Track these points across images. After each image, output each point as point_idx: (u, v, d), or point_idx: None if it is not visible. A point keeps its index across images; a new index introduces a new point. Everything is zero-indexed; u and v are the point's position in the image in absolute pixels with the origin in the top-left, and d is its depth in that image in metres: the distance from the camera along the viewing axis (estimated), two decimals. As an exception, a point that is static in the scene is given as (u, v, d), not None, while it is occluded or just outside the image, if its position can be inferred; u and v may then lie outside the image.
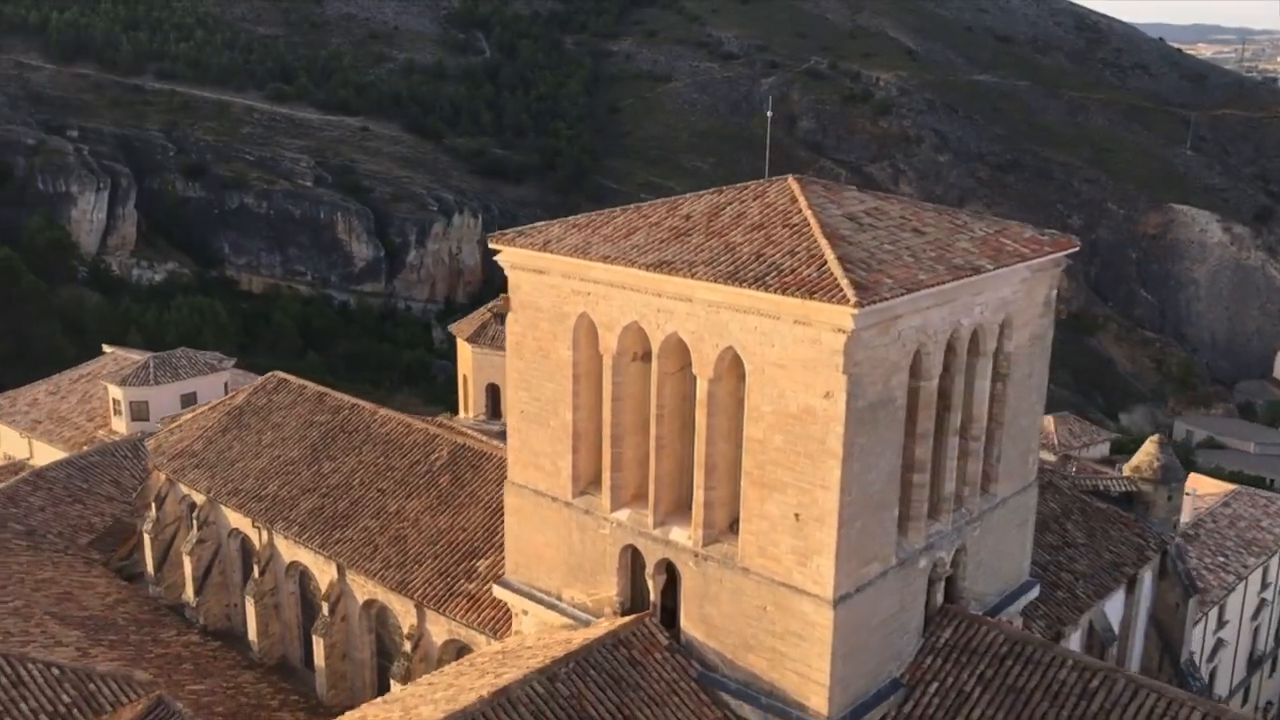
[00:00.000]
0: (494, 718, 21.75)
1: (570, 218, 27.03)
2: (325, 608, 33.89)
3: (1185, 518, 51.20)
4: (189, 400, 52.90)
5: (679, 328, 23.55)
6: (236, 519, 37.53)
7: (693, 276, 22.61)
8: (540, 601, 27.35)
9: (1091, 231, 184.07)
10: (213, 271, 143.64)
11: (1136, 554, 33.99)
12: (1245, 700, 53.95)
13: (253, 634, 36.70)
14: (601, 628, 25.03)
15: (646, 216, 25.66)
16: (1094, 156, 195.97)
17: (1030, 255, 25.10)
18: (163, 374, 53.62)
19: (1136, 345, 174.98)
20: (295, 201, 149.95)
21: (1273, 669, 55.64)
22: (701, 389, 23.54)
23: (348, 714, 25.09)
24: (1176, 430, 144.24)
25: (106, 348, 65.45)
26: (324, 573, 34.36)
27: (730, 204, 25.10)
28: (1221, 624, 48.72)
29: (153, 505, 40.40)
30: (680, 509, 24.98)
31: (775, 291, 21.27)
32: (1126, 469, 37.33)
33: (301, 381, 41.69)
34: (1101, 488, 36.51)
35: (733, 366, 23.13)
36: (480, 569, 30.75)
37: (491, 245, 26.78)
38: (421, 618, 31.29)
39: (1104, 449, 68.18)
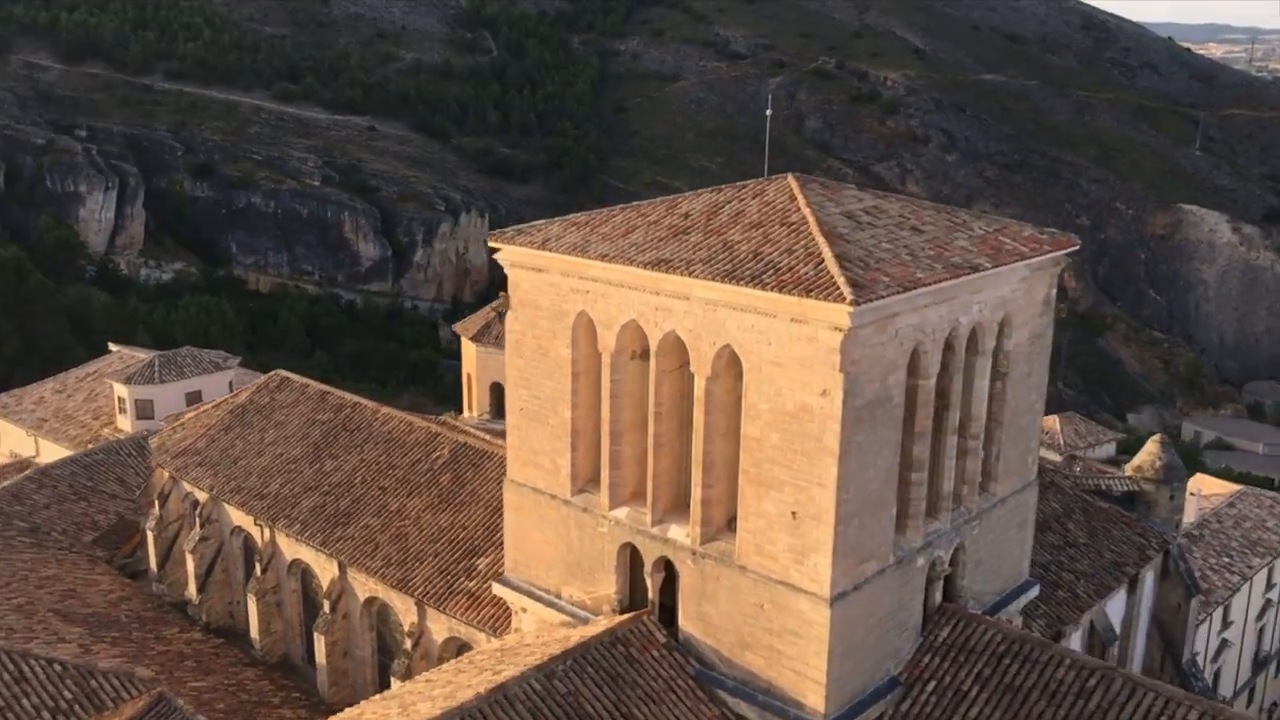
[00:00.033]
0: (491, 715, 21.80)
1: (569, 216, 27.08)
2: (326, 605, 33.97)
3: (1190, 518, 51.08)
4: (194, 398, 53.04)
5: (677, 326, 23.57)
6: (239, 517, 37.64)
7: (690, 275, 22.64)
8: (539, 599, 27.39)
9: (1100, 231, 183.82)
10: (220, 271, 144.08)
11: (1138, 554, 33.92)
12: (1250, 701, 53.80)
13: (255, 631, 36.81)
14: (599, 625, 25.06)
15: (645, 215, 25.69)
16: (1102, 156, 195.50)
17: (1029, 254, 25.07)
18: (168, 372, 53.80)
19: (1145, 345, 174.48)
20: (302, 201, 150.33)
21: (1278, 670, 55.46)
22: (699, 387, 23.56)
23: (347, 711, 25.16)
24: (1185, 431, 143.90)
25: (113, 346, 65.66)
26: (325, 570, 34.45)
27: (729, 202, 25.12)
28: (1226, 624, 48.60)
29: (156, 503, 40.51)
30: (678, 507, 25.01)
31: (772, 290, 21.28)
32: (1128, 469, 37.28)
33: (304, 380, 41.80)
34: (1103, 487, 36.45)
35: (730, 365, 23.15)
36: (480, 567, 30.81)
37: (491, 243, 26.84)
38: (422, 615, 31.36)
39: (1110, 449, 68.03)
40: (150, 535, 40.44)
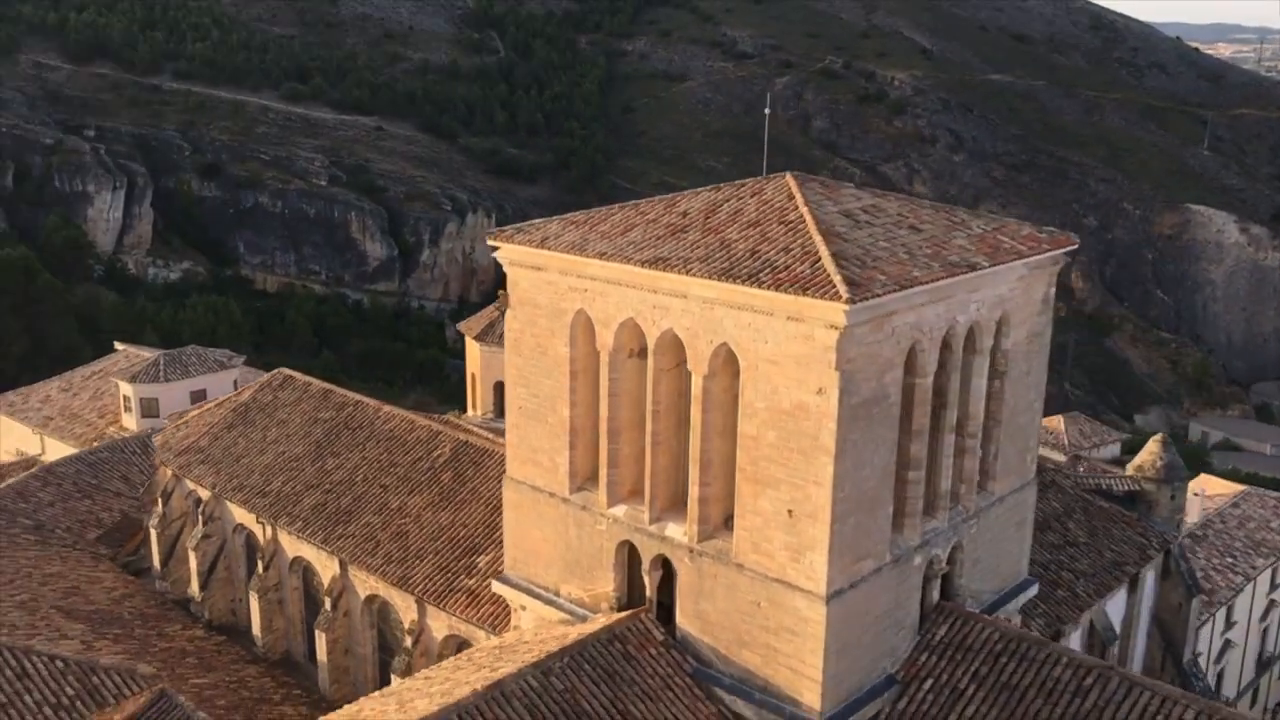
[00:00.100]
0: (488, 711, 21.87)
1: (568, 214, 27.15)
2: (328, 603, 34.10)
3: (1194, 518, 51.04)
4: (199, 397, 53.25)
5: (674, 324, 23.63)
6: (241, 514, 37.79)
7: (687, 273, 22.69)
8: (538, 597, 27.47)
9: (1107, 232, 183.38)
10: (228, 270, 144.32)
11: (1138, 553, 33.88)
12: (1254, 702, 53.69)
13: (257, 629, 36.95)
14: (597, 623, 25.12)
15: (644, 213, 25.75)
16: (1110, 156, 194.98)
17: (1027, 253, 25.08)
18: (172, 371, 54.04)
19: (1152, 346, 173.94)
20: (310, 201, 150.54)
21: (1282, 671, 55.38)
22: (696, 385, 23.62)
23: (345, 707, 25.26)
24: (1192, 431, 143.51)
25: (118, 345, 65.94)
26: (327, 568, 34.57)
27: (727, 201, 25.17)
28: (1230, 625, 48.52)
29: (159, 501, 40.68)
30: (676, 505, 25.06)
31: (768, 288, 21.33)
32: (1129, 468, 37.24)
33: (306, 378, 41.93)
34: (1104, 487, 36.41)
35: (727, 363, 23.20)
36: (480, 565, 30.90)
37: (490, 242, 26.93)
38: (422, 613, 31.46)
39: (1115, 449, 67.98)
40: (153, 533, 40.62)
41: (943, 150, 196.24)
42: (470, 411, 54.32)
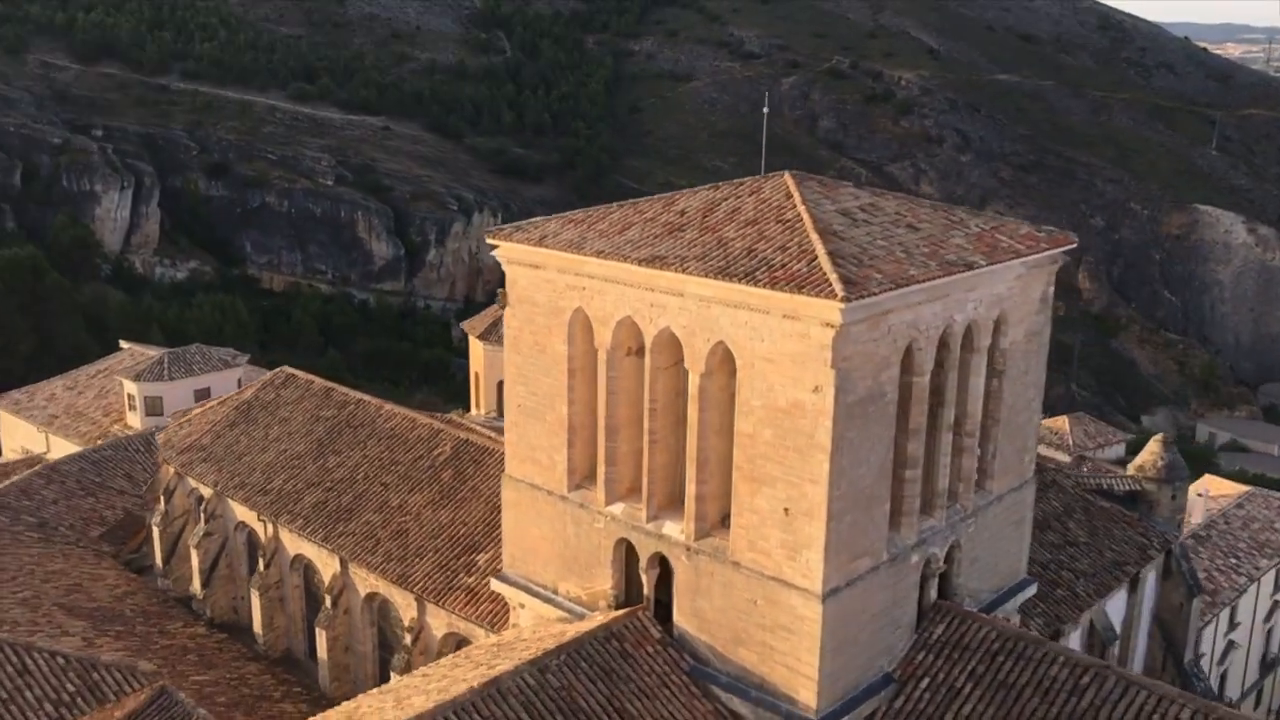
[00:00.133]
0: (484, 708, 21.91)
1: (567, 213, 27.19)
2: (328, 601, 34.17)
3: (1198, 519, 50.94)
4: (203, 395, 53.47)
5: (671, 322, 23.65)
6: (243, 512, 37.89)
7: (684, 271, 22.70)
8: (536, 595, 27.50)
9: (1115, 232, 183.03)
10: (234, 269, 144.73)
11: (1139, 553, 33.81)
12: (1258, 703, 53.56)
13: (258, 626, 37.04)
14: (595, 621, 25.16)
15: (642, 212, 25.77)
16: (1117, 157, 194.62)
17: (1025, 252, 25.03)
18: (177, 370, 54.24)
19: (1159, 347, 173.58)
20: (316, 200, 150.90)
21: (1287, 672, 55.22)
22: (693, 383, 23.62)
23: (343, 704, 25.33)
24: (1199, 433, 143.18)
25: (124, 344, 66.19)
26: (327, 566, 34.65)
27: (725, 199, 25.18)
28: (1233, 626, 48.40)
29: (162, 499, 40.79)
30: (674, 503, 25.07)
31: (764, 286, 21.33)
32: (1130, 468, 37.18)
33: (309, 376, 42.02)
34: (1105, 486, 36.34)
35: (724, 361, 23.21)
36: (480, 563, 30.95)
37: (488, 240, 26.98)
38: (422, 611, 31.52)
39: (1119, 450, 67.86)
40: (156, 530, 40.74)
41: (950, 150, 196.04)
42: (474, 410, 54.42)
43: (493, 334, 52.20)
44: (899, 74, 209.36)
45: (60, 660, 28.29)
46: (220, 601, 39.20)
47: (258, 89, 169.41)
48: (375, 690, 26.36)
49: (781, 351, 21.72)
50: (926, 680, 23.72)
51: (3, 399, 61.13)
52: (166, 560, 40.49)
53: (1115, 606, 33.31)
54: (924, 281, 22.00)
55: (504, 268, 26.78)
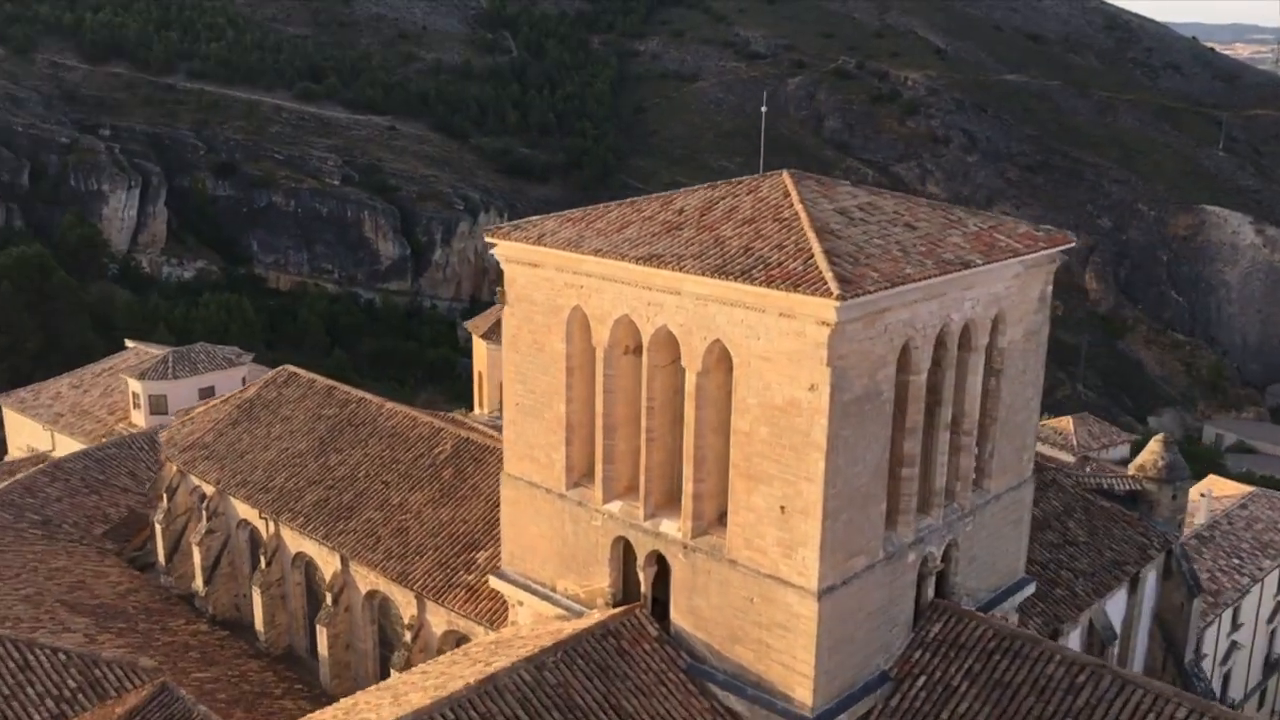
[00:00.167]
0: (481, 705, 21.99)
1: (566, 211, 27.27)
2: (329, 598, 34.28)
3: (1202, 519, 50.85)
4: (207, 394, 53.62)
5: (668, 321, 23.71)
6: (245, 510, 38.01)
7: (681, 270, 22.76)
8: (535, 593, 27.58)
9: (1121, 233, 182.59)
10: (241, 269, 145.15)
11: (1139, 553, 33.79)
12: (1261, 704, 53.43)
13: (259, 624, 37.15)
14: (592, 618, 25.23)
15: (640, 210, 25.84)
16: (1124, 157, 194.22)
17: (1023, 251, 25.05)
18: (181, 368, 54.41)
19: (1166, 348, 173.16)
20: (323, 200, 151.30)
21: (1290, 673, 55.08)
22: (690, 382, 23.68)
23: (341, 700, 25.42)
24: (1206, 434, 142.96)
25: (129, 342, 66.45)
26: (328, 564, 34.75)
27: (723, 198, 25.23)
28: (1236, 627, 48.29)
29: (164, 496, 40.93)
30: (671, 501, 25.13)
31: (761, 284, 21.38)
32: (1131, 468, 37.16)
33: (311, 375, 42.14)
34: (1106, 486, 36.32)
35: (721, 359, 23.26)
36: (479, 561, 31.03)
37: (487, 239, 27.10)
38: (421, 608, 31.60)
39: (1124, 450, 67.69)
40: (159, 528, 40.89)
41: (956, 151, 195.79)
42: (477, 410, 54.59)
43: (496, 333, 52.30)
44: (905, 74, 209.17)
45: (62, 656, 28.43)
46: (222, 599, 39.32)
47: (264, 89, 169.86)
48: (373, 687, 26.46)
49: (778, 350, 21.77)
50: (923, 678, 23.76)
51: (9, 397, 61.40)
52: (169, 558, 40.63)
53: (1115, 606, 33.30)
54: (920, 280, 22.04)
55: (502, 266, 26.89)
